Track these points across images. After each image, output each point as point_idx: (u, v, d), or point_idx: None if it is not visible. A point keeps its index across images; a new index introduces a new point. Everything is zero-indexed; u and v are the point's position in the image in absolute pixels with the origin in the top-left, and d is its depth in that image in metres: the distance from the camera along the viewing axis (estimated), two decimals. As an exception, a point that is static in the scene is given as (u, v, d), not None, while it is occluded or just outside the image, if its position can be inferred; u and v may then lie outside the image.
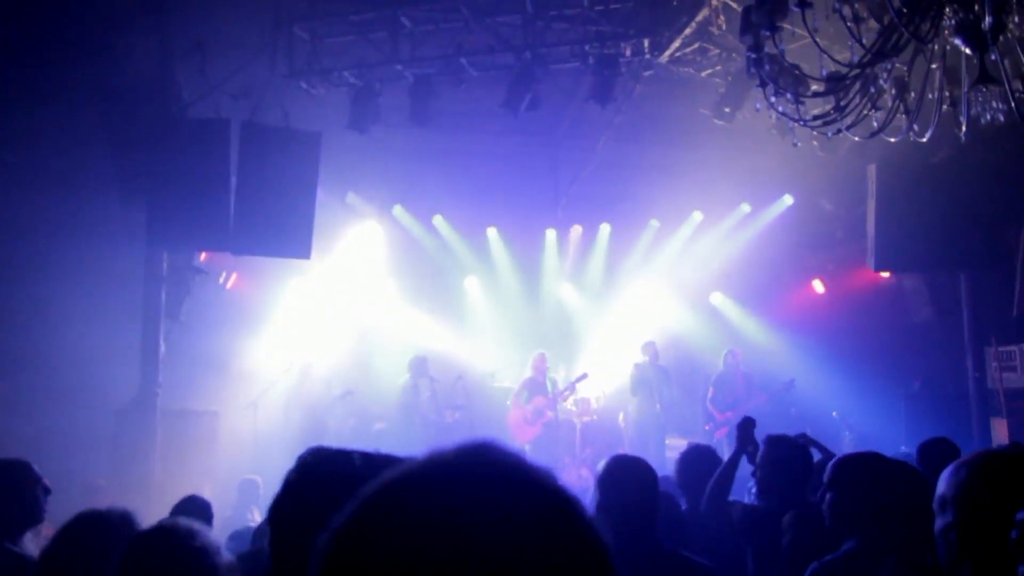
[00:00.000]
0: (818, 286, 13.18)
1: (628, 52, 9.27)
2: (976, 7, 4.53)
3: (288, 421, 10.71)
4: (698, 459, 4.56)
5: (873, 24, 5.21)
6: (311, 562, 0.74)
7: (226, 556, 2.15)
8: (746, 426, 4.37)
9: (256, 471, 8.48)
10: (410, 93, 9.52)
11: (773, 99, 5.77)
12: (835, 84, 5.56)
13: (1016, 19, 4.74)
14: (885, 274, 11.43)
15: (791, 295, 13.06)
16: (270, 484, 1.69)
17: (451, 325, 13.08)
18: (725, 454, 4.54)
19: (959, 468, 1.84)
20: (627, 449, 10.20)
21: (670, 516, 3.60)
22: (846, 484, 3.03)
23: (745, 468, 4.39)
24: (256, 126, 9.21)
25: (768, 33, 5.35)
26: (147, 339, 9.40)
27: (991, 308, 10.07)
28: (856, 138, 6.16)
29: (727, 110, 9.29)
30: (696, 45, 9.10)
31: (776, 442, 4.06)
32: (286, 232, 9.37)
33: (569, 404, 11.72)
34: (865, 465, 3.10)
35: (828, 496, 3.08)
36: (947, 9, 4.64)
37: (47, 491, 3.37)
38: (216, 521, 4.59)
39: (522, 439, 11.25)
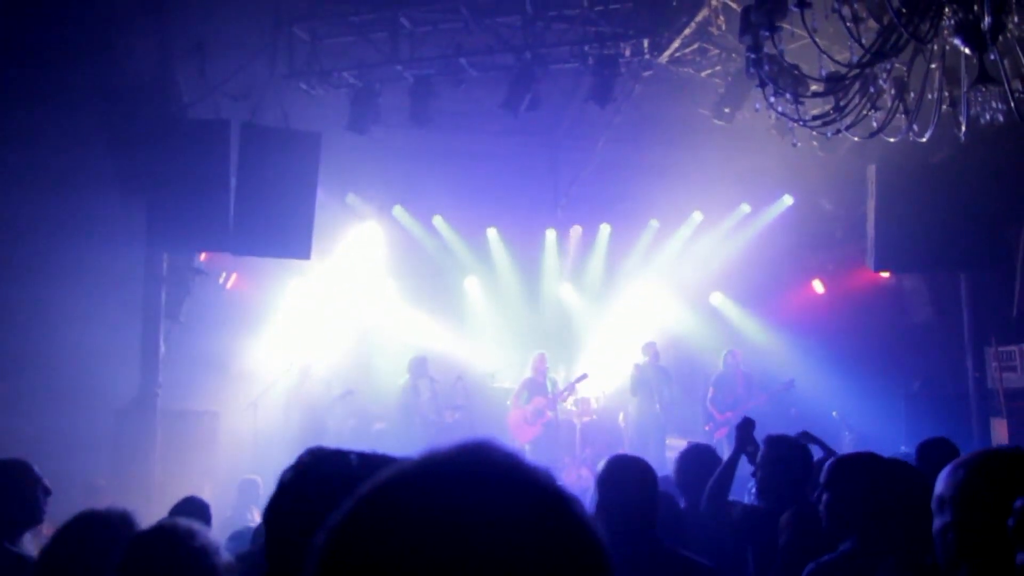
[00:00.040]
0: (818, 286, 13.18)
1: (628, 52, 9.28)
2: (975, 7, 4.53)
3: (288, 421, 10.72)
4: (697, 458, 4.56)
5: (872, 24, 5.21)
6: (307, 561, 0.74)
7: (225, 556, 2.15)
8: (745, 427, 4.37)
9: (256, 471, 8.48)
10: (410, 94, 9.53)
11: (772, 99, 5.78)
12: (834, 84, 5.56)
13: (1015, 19, 4.75)
14: (885, 274, 11.43)
15: (791, 295, 13.06)
16: (270, 484, 1.69)
17: (451, 325, 13.09)
18: (725, 454, 4.54)
19: (957, 468, 1.84)
20: (627, 449, 10.20)
21: (669, 515, 3.61)
22: (842, 485, 3.04)
23: (745, 468, 4.39)
24: (256, 127, 9.22)
25: (767, 33, 5.36)
26: (147, 339, 9.40)
27: (991, 308, 10.07)
28: (856, 138, 6.16)
29: (727, 110, 9.29)
30: (696, 45, 9.11)
31: (776, 442, 4.06)
32: (286, 233, 9.37)
33: (569, 404, 11.72)
34: (861, 465, 3.11)
35: (825, 497, 3.08)
36: (946, 9, 4.64)
37: (47, 492, 3.37)
38: (216, 521, 4.59)
39: (522, 439, 11.25)
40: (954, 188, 9.19)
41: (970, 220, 9.25)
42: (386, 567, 0.68)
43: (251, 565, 2.76)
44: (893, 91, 5.59)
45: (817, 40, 5.06)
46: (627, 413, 11.99)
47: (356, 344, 12.58)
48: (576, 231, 14.03)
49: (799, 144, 7.24)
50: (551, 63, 9.35)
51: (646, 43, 9.18)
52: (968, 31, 4.57)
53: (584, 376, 11.60)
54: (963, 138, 5.55)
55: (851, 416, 10.94)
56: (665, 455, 10.46)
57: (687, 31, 8.71)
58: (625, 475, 3.12)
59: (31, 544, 3.37)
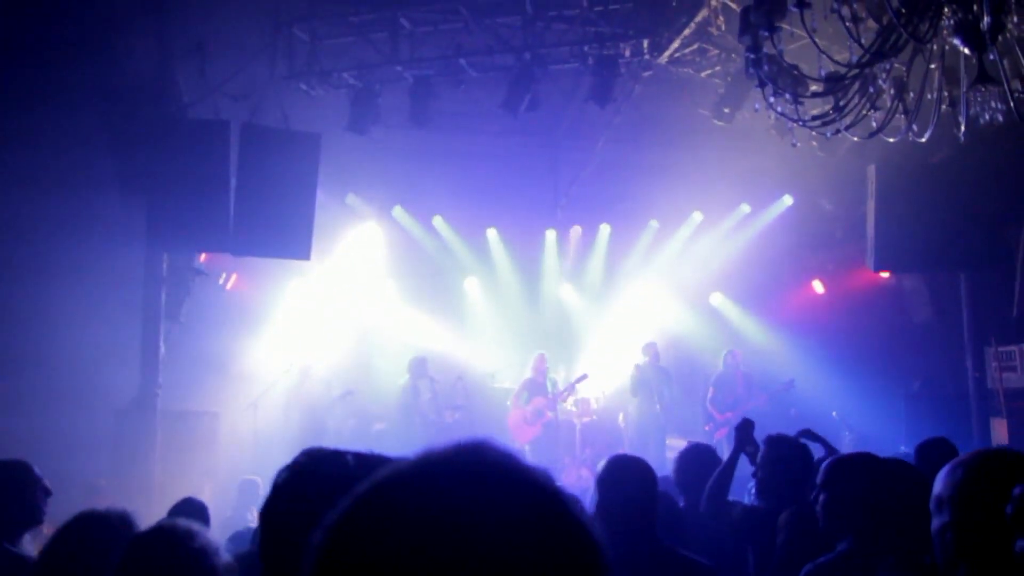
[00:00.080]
0: (818, 286, 13.18)
1: (627, 53, 9.28)
2: (974, 7, 4.53)
3: (288, 422, 10.72)
4: (697, 458, 4.55)
5: (872, 24, 5.21)
6: (304, 560, 0.74)
7: (225, 557, 2.15)
8: (744, 428, 4.37)
9: (256, 472, 8.47)
10: (410, 94, 9.53)
11: (772, 99, 5.78)
12: (834, 84, 5.56)
13: (1015, 19, 4.75)
14: (885, 274, 11.43)
15: (791, 295, 13.06)
16: (270, 485, 1.69)
17: (451, 326, 13.09)
18: (725, 455, 4.54)
19: (955, 468, 1.85)
20: (627, 450, 10.20)
21: (668, 515, 3.61)
22: (839, 485, 3.04)
23: (745, 468, 4.39)
24: (256, 127, 9.22)
25: (767, 33, 5.36)
26: (147, 340, 9.40)
27: (991, 308, 10.07)
28: (855, 138, 6.17)
29: (726, 110, 9.30)
30: (695, 46, 9.11)
31: (776, 442, 4.07)
32: (286, 233, 9.38)
33: (569, 405, 11.72)
34: (858, 466, 3.11)
35: (822, 497, 3.08)
36: (946, 9, 4.64)
37: (47, 492, 3.37)
38: (216, 521, 4.60)
39: (522, 440, 11.25)
40: (954, 188, 9.20)
41: (970, 220, 9.26)
42: (383, 566, 0.69)
43: (250, 566, 2.76)
44: (892, 91, 5.59)
45: (816, 40, 5.06)
46: (627, 413, 11.99)
47: (356, 344, 12.58)
48: (576, 231, 14.03)
49: (799, 144, 7.25)
50: (551, 63, 9.35)
51: (646, 43, 9.18)
52: (967, 31, 4.57)
53: (584, 376, 11.60)
54: (962, 138, 5.55)
55: (851, 416, 10.95)
56: (665, 455, 10.46)
57: (687, 31, 8.71)
58: (625, 475, 3.12)
59: (31, 545, 3.38)
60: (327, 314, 12.29)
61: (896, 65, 5.50)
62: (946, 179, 9.24)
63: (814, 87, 5.83)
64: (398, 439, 10.53)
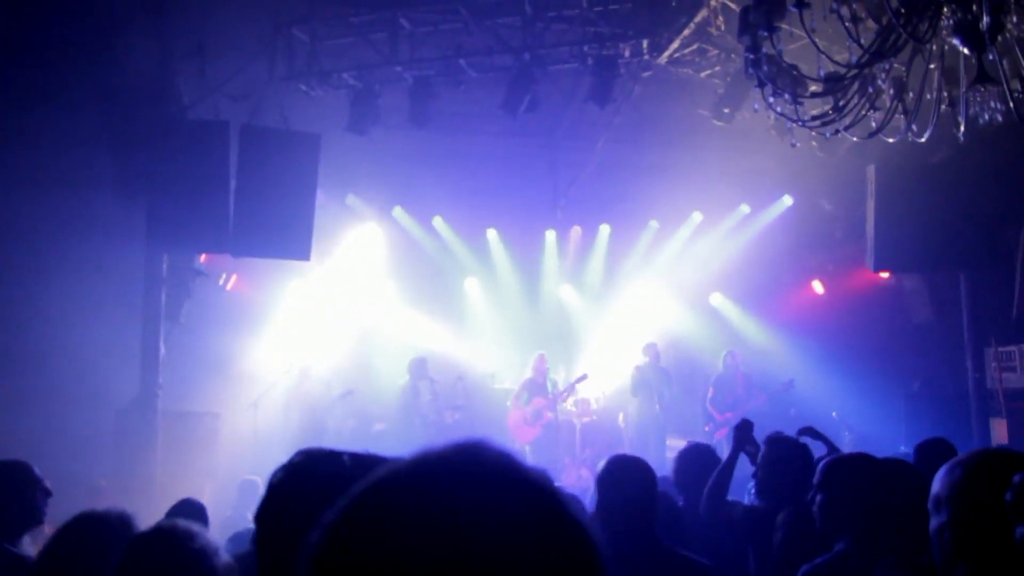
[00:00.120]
0: (818, 287, 13.19)
1: (627, 53, 9.28)
2: (974, 7, 4.53)
3: (288, 422, 10.72)
4: (696, 458, 4.56)
5: (871, 24, 5.22)
6: (301, 559, 0.74)
7: (224, 557, 2.15)
8: (743, 428, 4.38)
9: (256, 472, 8.46)
10: (409, 95, 9.53)
11: (771, 100, 5.79)
12: (833, 84, 5.57)
13: (1014, 19, 4.75)
14: (884, 274, 11.43)
15: (791, 296, 13.06)
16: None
17: (451, 326, 13.09)
18: (724, 455, 4.55)
19: (953, 468, 1.85)
20: (627, 450, 10.21)
21: (667, 514, 3.61)
22: (835, 486, 3.04)
23: (745, 468, 4.40)
24: (256, 128, 9.22)
25: (766, 33, 5.36)
26: (147, 340, 9.40)
27: (991, 308, 10.07)
28: (855, 138, 6.17)
29: (726, 111, 9.30)
30: (695, 46, 9.11)
31: (776, 442, 4.07)
32: (286, 234, 9.38)
33: (569, 405, 11.72)
34: (854, 467, 3.11)
35: (818, 498, 3.08)
36: (945, 9, 4.64)
37: (47, 493, 3.38)
38: (216, 521, 4.60)
39: (522, 440, 11.25)
40: (953, 188, 9.20)
41: (969, 220, 9.26)
42: (379, 565, 0.69)
43: (250, 566, 2.76)
44: (892, 91, 5.60)
45: (816, 40, 5.06)
46: (627, 414, 11.99)
47: (356, 345, 12.58)
48: (576, 232, 14.03)
49: (798, 144, 7.25)
50: (550, 64, 9.36)
51: (645, 44, 9.19)
52: (967, 31, 4.57)
53: (584, 377, 11.60)
54: (962, 138, 5.55)
55: (851, 416, 10.95)
56: (665, 455, 10.46)
57: (686, 32, 8.72)
58: (625, 475, 3.13)
59: (31, 545, 3.38)
60: (327, 315, 12.29)
61: (895, 65, 5.50)
62: (946, 179, 9.24)
63: (813, 87, 5.83)
64: (398, 439, 10.53)
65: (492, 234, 13.69)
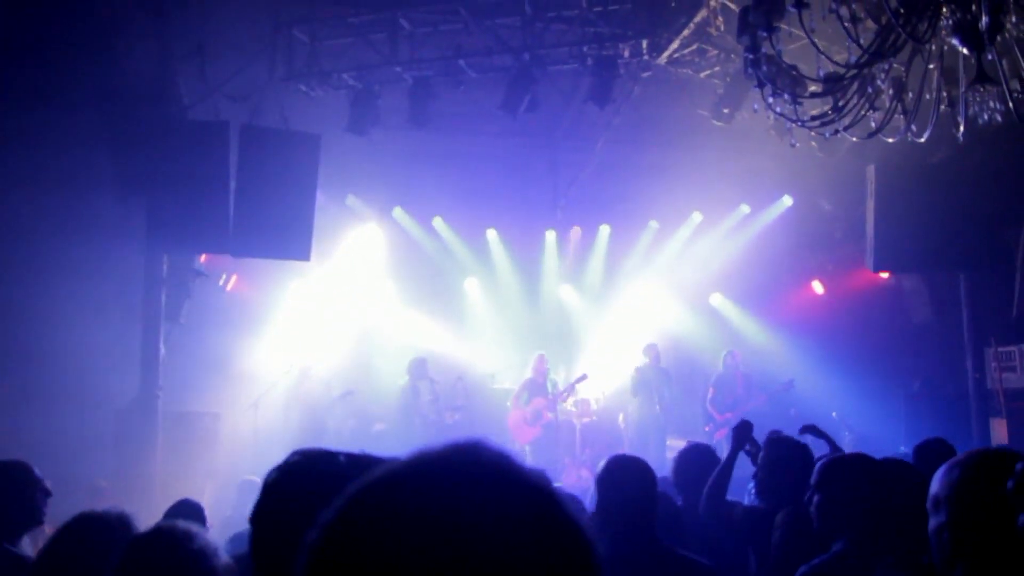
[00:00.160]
0: (817, 287, 13.19)
1: (626, 53, 9.28)
2: (973, 7, 4.53)
3: (288, 422, 10.72)
4: (696, 458, 4.56)
5: (870, 24, 5.22)
6: (298, 558, 0.74)
7: (224, 558, 2.15)
8: (742, 429, 4.38)
9: (256, 472, 8.43)
10: (409, 95, 9.53)
11: (771, 100, 5.79)
12: (833, 85, 5.57)
13: (1013, 19, 4.75)
14: (884, 274, 11.44)
15: (790, 296, 13.07)
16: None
17: (451, 326, 13.09)
18: (724, 455, 4.55)
19: (952, 468, 1.85)
20: (627, 450, 10.20)
21: (666, 514, 3.61)
22: (833, 486, 3.04)
23: (746, 468, 4.40)
24: (256, 128, 9.22)
25: (765, 34, 5.37)
26: (147, 341, 9.40)
27: (991, 308, 10.07)
28: (854, 139, 6.17)
29: (725, 111, 9.31)
30: (694, 46, 9.11)
31: (776, 443, 4.07)
32: (286, 234, 9.38)
33: (569, 405, 11.72)
34: (851, 467, 3.11)
35: (816, 498, 3.08)
36: (944, 9, 4.65)
37: (47, 493, 3.38)
38: (216, 521, 4.60)
39: (522, 440, 11.25)
40: (953, 188, 9.21)
41: (969, 220, 9.26)
42: (377, 566, 0.69)
43: (250, 567, 2.77)
44: (891, 91, 5.60)
45: (815, 40, 5.06)
46: (627, 414, 11.99)
47: (356, 345, 12.58)
48: (576, 232, 14.03)
49: (798, 145, 7.26)
50: (550, 64, 9.36)
51: (645, 44, 9.19)
52: (966, 31, 4.58)
53: (584, 377, 11.60)
54: (961, 138, 5.56)
55: (851, 416, 10.95)
56: (665, 456, 10.45)
57: (686, 32, 8.72)
58: (625, 475, 3.13)
59: (31, 546, 3.38)
60: (327, 315, 12.29)
61: (895, 65, 5.50)
62: (945, 179, 9.25)
63: (813, 87, 5.83)
64: (398, 440, 10.52)
65: (492, 234, 13.69)
